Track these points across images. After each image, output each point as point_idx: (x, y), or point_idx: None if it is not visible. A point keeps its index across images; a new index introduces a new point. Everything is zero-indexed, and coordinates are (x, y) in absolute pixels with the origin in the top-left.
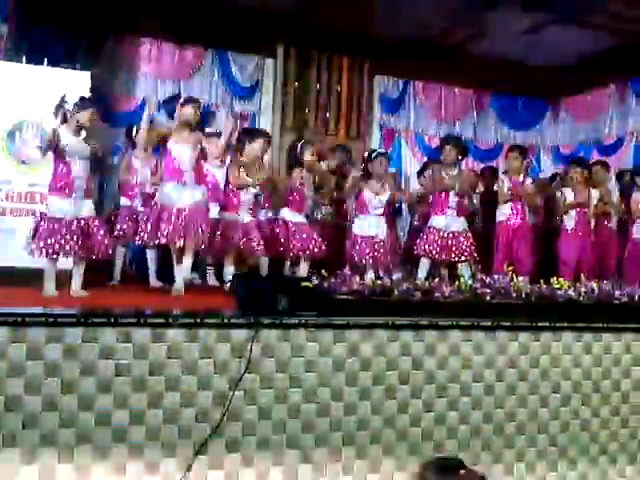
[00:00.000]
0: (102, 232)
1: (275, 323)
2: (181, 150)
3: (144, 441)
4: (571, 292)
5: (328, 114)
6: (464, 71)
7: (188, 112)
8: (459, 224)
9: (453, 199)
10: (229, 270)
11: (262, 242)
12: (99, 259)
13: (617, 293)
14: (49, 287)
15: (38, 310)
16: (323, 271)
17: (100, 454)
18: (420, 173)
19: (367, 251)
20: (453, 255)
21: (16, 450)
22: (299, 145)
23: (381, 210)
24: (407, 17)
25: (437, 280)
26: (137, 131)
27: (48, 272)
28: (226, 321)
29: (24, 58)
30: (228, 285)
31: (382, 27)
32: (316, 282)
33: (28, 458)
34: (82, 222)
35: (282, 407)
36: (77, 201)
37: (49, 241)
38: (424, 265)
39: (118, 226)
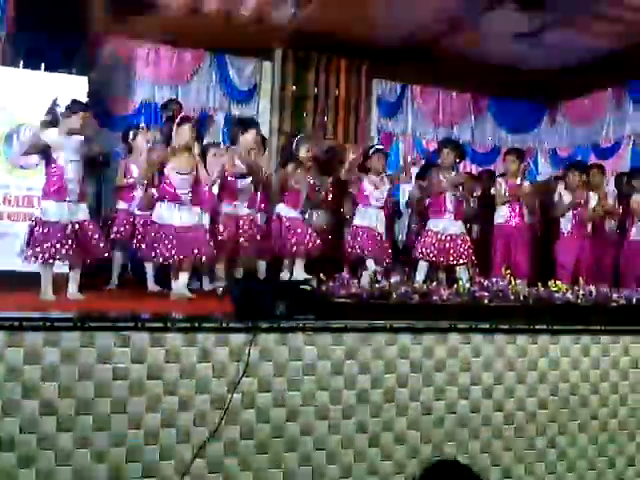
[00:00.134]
0: (97, 235)
1: (273, 327)
2: (178, 173)
3: (142, 444)
4: (569, 295)
5: (326, 118)
6: (462, 75)
7: (185, 133)
8: (457, 227)
9: (451, 202)
10: (219, 269)
11: (259, 237)
12: (95, 262)
13: (615, 295)
14: (46, 291)
15: (36, 314)
16: (321, 275)
17: (98, 458)
18: (418, 176)
19: (367, 242)
20: (451, 258)
21: (14, 454)
22: (295, 140)
23: (381, 203)
24: (405, 21)
25: (435, 283)
26: (134, 135)
27: (45, 276)
28: (224, 325)
29: (21, 62)
30: (221, 289)
31: (380, 31)
32: (314, 285)
33: (26, 462)
34: (77, 226)
35: (280, 410)
36: (71, 205)
37: (44, 246)
38: (422, 268)
39: (115, 229)
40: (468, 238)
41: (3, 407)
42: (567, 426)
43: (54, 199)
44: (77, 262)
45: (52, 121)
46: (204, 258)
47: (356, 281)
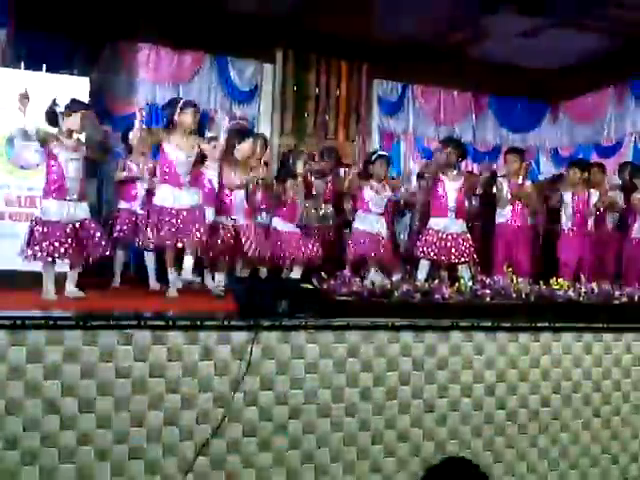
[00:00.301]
0: (99, 234)
1: (275, 325)
2: (178, 154)
3: (145, 442)
4: (571, 292)
5: (327, 118)
6: (463, 74)
7: (188, 118)
8: (458, 226)
9: (452, 201)
10: (219, 277)
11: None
12: (97, 261)
13: (617, 293)
14: (49, 290)
15: (38, 313)
16: (322, 273)
17: (101, 455)
18: (420, 175)
19: (369, 247)
20: (453, 257)
21: (17, 452)
22: (291, 156)
23: (382, 209)
24: (405, 20)
25: (437, 282)
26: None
27: (47, 275)
28: (226, 323)
29: (23, 64)
30: (220, 289)
31: (381, 31)
32: (316, 283)
33: (29, 460)
34: (77, 224)
35: (283, 408)
36: (72, 203)
37: (44, 245)
38: (424, 267)
39: (118, 227)
40: (470, 237)
41: (6, 406)
42: (570, 424)
43: (54, 198)
44: (78, 261)
45: (52, 120)
46: (204, 242)
47: (358, 279)
